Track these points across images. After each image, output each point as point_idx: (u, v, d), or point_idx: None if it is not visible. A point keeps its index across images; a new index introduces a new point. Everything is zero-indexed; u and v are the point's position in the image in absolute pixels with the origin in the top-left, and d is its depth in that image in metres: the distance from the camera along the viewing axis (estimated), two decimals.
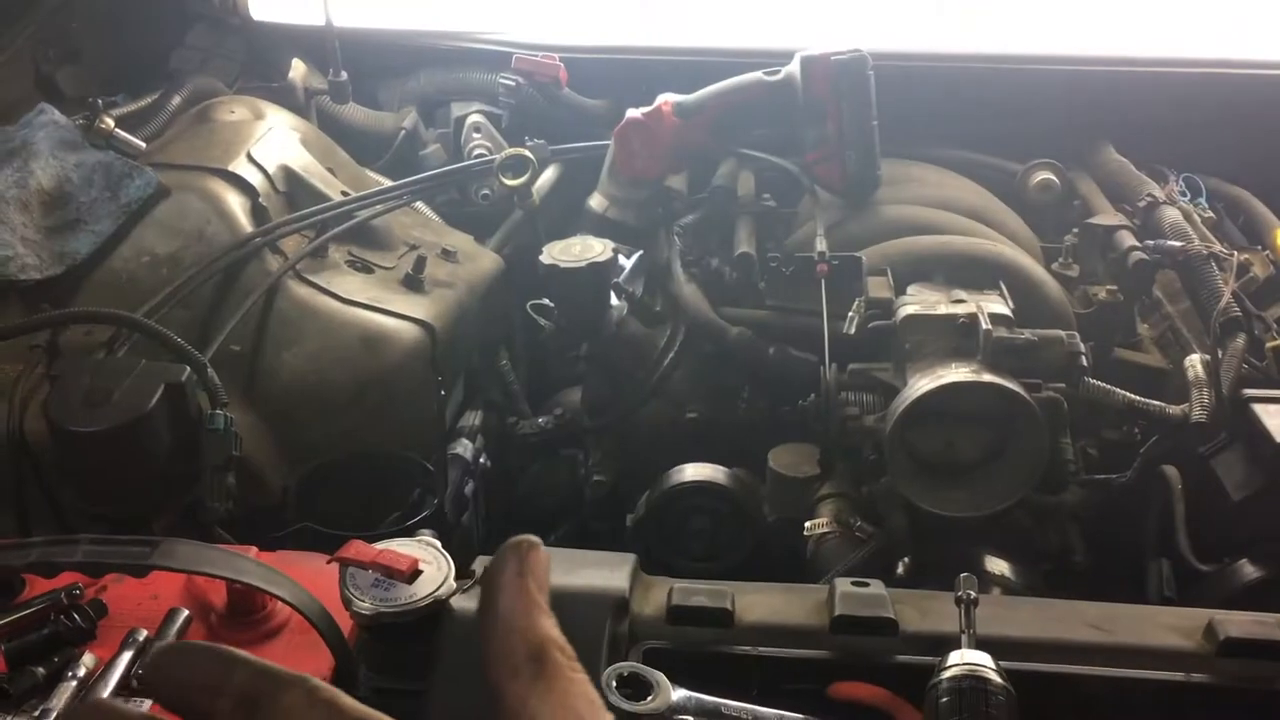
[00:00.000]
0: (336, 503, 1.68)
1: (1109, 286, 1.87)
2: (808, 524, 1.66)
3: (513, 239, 2.26)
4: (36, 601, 1.24)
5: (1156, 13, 2.23)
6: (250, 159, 1.94)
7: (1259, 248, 2.11)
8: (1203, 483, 1.68)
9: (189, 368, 1.54)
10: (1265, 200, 2.24)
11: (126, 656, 1.18)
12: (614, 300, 1.97)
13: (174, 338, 1.60)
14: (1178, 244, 1.91)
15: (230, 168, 1.90)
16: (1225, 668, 1.14)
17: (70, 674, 1.15)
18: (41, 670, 1.15)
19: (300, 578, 1.20)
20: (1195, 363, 1.72)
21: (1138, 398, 1.69)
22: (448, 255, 2.07)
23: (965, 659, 1.05)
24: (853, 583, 1.22)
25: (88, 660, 1.17)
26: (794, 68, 1.92)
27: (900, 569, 1.62)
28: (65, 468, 1.52)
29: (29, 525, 1.56)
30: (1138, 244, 1.93)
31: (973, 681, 1.02)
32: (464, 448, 1.99)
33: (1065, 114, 2.30)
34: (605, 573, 1.19)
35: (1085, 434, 1.73)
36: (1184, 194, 2.19)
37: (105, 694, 1.14)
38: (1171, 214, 2.02)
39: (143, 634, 1.21)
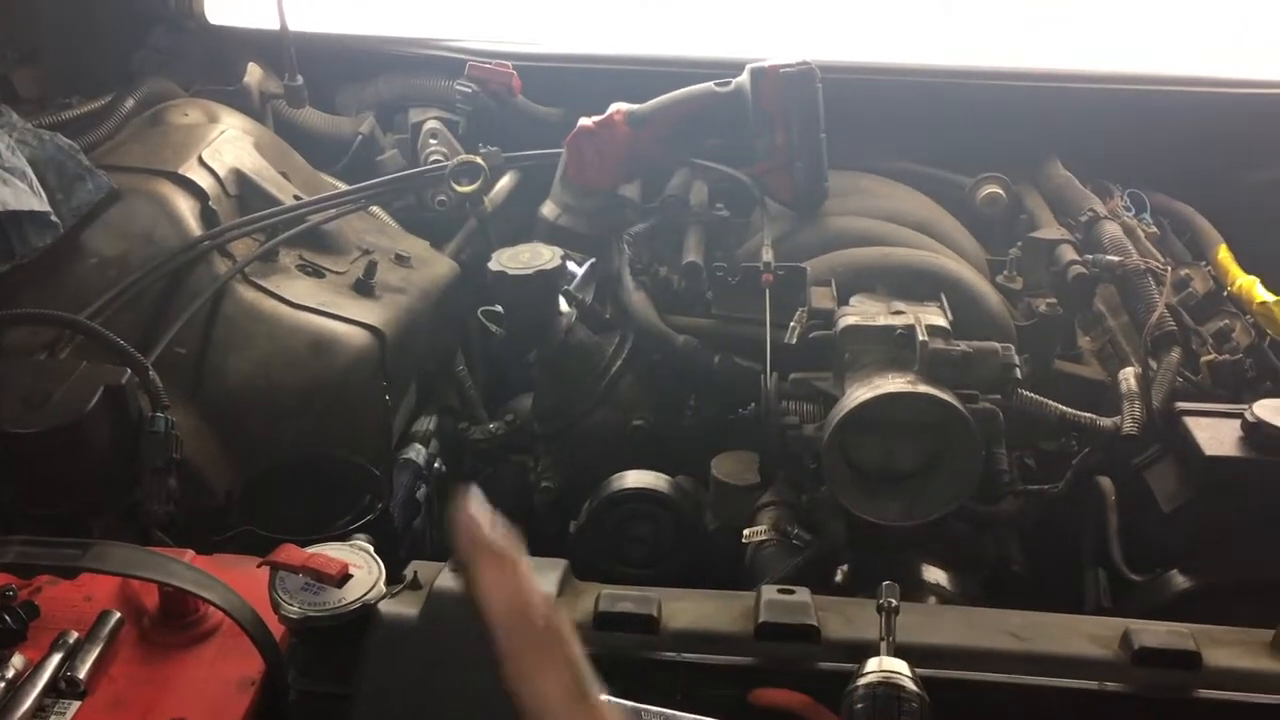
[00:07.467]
0: (283, 507, 1.69)
1: (1050, 299, 1.89)
2: (746, 531, 1.67)
3: (469, 245, 2.27)
4: None
5: (1113, 28, 2.26)
6: (201, 162, 1.95)
7: (1202, 263, 2.14)
8: (1136, 494, 1.71)
9: (130, 370, 1.55)
10: (1210, 217, 2.28)
11: (56, 658, 1.19)
12: (564, 307, 1.98)
13: (115, 339, 1.61)
14: (1116, 259, 1.94)
15: (181, 171, 1.91)
16: (1138, 676, 1.17)
17: None
18: None
19: (235, 581, 1.21)
20: (1129, 376, 1.75)
21: (1070, 410, 1.71)
22: (401, 260, 2.08)
23: (881, 666, 1.07)
24: (778, 590, 1.24)
25: (17, 661, 1.18)
26: (744, 79, 1.95)
27: (839, 577, 1.64)
28: (3, 468, 1.52)
29: None
30: (1078, 258, 1.96)
31: (887, 689, 1.05)
32: (416, 452, 1.99)
33: (1016, 128, 2.33)
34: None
35: (1022, 445, 1.76)
36: (1129, 209, 2.23)
37: (33, 695, 1.15)
38: (1112, 229, 2.05)
39: (73, 636, 1.22)
